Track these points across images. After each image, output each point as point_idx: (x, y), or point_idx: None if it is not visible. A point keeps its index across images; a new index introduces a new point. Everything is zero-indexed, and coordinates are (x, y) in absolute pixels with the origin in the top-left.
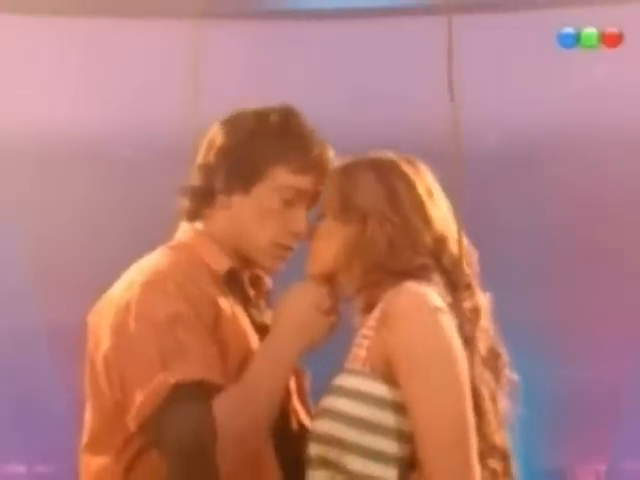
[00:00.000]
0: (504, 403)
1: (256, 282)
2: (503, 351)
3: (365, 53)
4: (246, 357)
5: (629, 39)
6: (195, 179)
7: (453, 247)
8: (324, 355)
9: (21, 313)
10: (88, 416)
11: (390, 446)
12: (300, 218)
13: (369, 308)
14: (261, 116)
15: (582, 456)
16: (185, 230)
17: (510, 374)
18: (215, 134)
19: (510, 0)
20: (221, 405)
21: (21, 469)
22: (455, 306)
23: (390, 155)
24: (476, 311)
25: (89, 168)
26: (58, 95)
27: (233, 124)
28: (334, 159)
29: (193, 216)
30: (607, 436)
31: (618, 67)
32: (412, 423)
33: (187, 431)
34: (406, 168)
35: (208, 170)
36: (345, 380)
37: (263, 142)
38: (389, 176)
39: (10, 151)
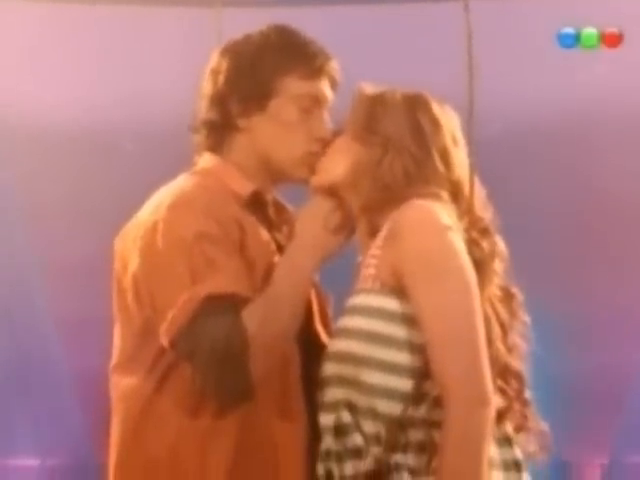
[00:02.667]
0: (519, 342)
1: (278, 209)
2: (517, 292)
3: (380, 39)
4: (271, 274)
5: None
6: (208, 111)
7: (468, 193)
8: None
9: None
10: (117, 338)
11: (403, 358)
12: (321, 123)
13: (374, 232)
14: (259, 36)
15: (587, 449)
16: (206, 159)
17: (524, 316)
18: (218, 63)
19: None
20: (250, 316)
21: (33, 462)
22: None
23: (425, 94)
24: (492, 249)
25: (105, 156)
26: (73, 83)
27: (234, 49)
28: (339, 67)
29: (212, 149)
30: (611, 429)
31: (622, 56)
32: (424, 333)
33: (220, 341)
34: (437, 110)
35: (220, 98)
36: (356, 299)
37: (268, 58)
38: (419, 113)
39: (21, 137)
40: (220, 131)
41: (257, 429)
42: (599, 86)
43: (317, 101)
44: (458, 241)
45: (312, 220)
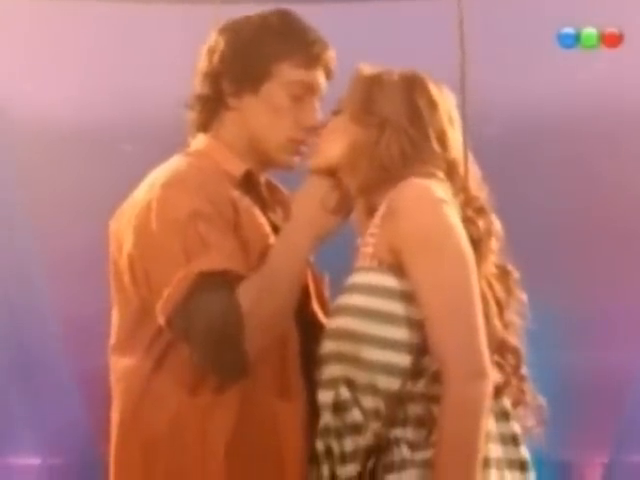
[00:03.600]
0: (515, 319)
1: (272, 190)
2: (513, 270)
3: (371, 36)
4: (266, 254)
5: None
6: (201, 87)
7: (463, 171)
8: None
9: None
10: (114, 319)
11: (402, 334)
12: (311, 111)
13: (371, 212)
14: (260, 19)
15: (587, 449)
16: (199, 140)
17: (520, 294)
18: (215, 41)
19: None
20: (245, 292)
21: (35, 462)
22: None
23: (422, 74)
24: (488, 228)
25: (105, 153)
26: (72, 80)
27: (233, 29)
28: (335, 56)
29: (205, 126)
30: (612, 428)
31: (621, 55)
32: (421, 308)
33: (215, 318)
34: (434, 90)
35: (214, 76)
36: (355, 278)
37: (266, 41)
38: (416, 93)
39: (21, 133)
40: (211, 108)
41: (257, 407)
42: (600, 84)
43: (310, 89)
44: (454, 216)
45: (309, 200)
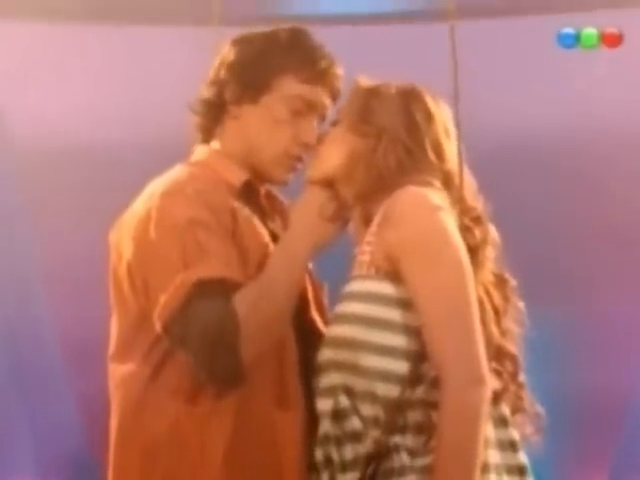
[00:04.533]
0: (513, 327)
1: (271, 199)
2: (511, 278)
3: (365, 59)
4: (265, 263)
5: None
6: (206, 93)
7: (462, 185)
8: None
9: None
10: (114, 327)
11: (400, 341)
12: (310, 128)
13: (368, 221)
14: (271, 33)
15: (586, 469)
16: (200, 151)
17: (518, 302)
18: (226, 52)
19: (507, 6)
20: (242, 299)
21: None
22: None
23: (419, 87)
24: (484, 236)
25: (101, 172)
26: (77, 99)
27: (243, 41)
28: (342, 75)
29: (205, 132)
30: (611, 449)
31: (618, 69)
32: (419, 315)
33: (211, 325)
34: (431, 103)
35: (218, 84)
36: (352, 286)
37: (272, 54)
38: (413, 105)
39: (28, 154)
40: (214, 114)
41: (255, 415)
42: (595, 100)
43: (310, 106)
44: (451, 223)
45: (308, 209)
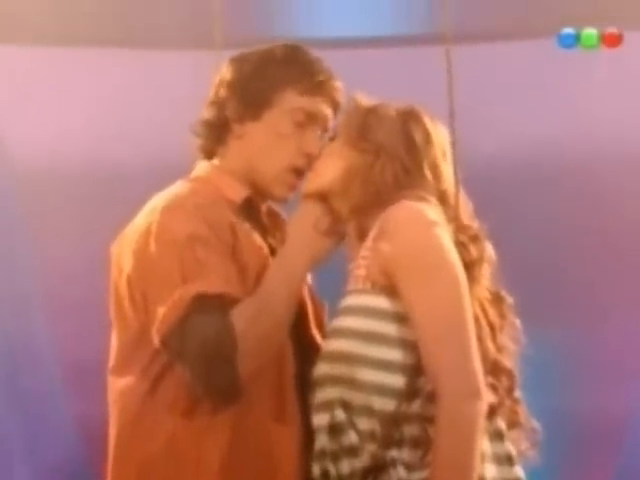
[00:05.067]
0: (509, 344)
1: (272, 216)
2: (507, 296)
3: (363, 82)
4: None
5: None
6: (207, 114)
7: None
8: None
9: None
10: (113, 341)
11: (396, 355)
12: (313, 139)
13: (363, 236)
14: (266, 50)
15: None
16: (201, 167)
17: (514, 319)
18: (224, 72)
19: (503, 30)
20: (240, 314)
21: None
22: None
23: (418, 108)
24: (481, 253)
25: (101, 192)
26: (78, 122)
27: (240, 60)
28: (341, 87)
29: (208, 152)
30: (610, 471)
31: (615, 91)
32: (415, 329)
33: (208, 340)
34: (429, 124)
35: (219, 104)
36: (348, 300)
37: (271, 70)
38: (412, 126)
39: (28, 175)
40: (216, 134)
41: (251, 431)
42: (592, 118)
43: (312, 117)
44: (446, 237)
45: (304, 222)
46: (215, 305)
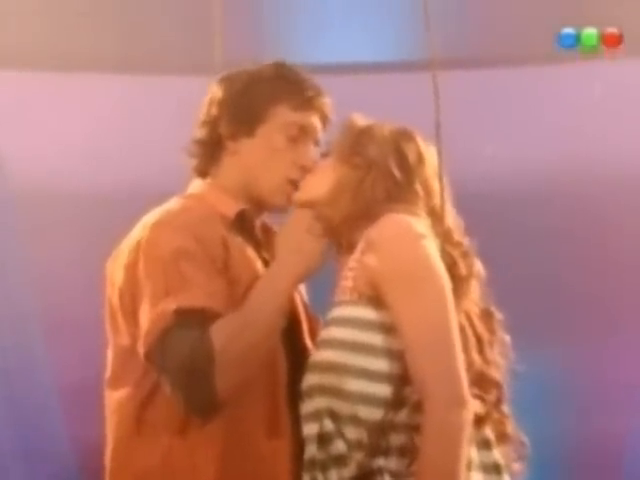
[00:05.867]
0: (499, 359)
1: (267, 231)
2: (496, 312)
3: (348, 109)
4: None
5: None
6: (200, 133)
7: (448, 220)
8: None
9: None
10: (109, 354)
11: (382, 365)
12: (307, 152)
13: (351, 248)
14: (256, 68)
15: None
16: (195, 184)
17: (504, 335)
18: (214, 91)
19: (492, 57)
20: (220, 329)
21: None
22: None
23: (411, 129)
24: (469, 269)
25: (110, 218)
26: (77, 148)
27: (230, 79)
28: (331, 103)
29: (202, 172)
30: None
31: (606, 116)
32: (401, 339)
33: (185, 355)
34: (422, 144)
35: (211, 123)
36: (335, 312)
37: (262, 87)
38: (404, 144)
39: (26, 198)
40: (210, 152)
41: (244, 443)
42: (585, 140)
43: (305, 131)
44: (433, 250)
45: (295, 227)
46: (195, 320)
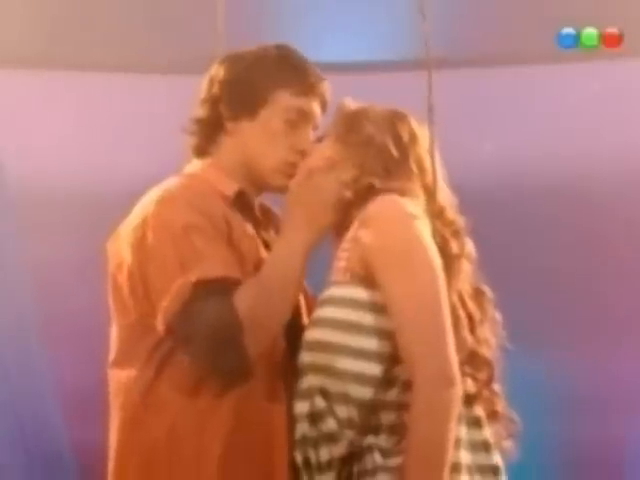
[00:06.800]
0: (490, 337)
1: (265, 212)
2: (487, 290)
3: None
4: (260, 266)
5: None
6: (200, 112)
7: (441, 198)
8: None
9: None
10: (113, 335)
11: (373, 344)
12: (306, 136)
13: (346, 228)
14: (259, 50)
15: None
16: (193, 164)
17: (495, 313)
18: (216, 70)
19: (492, 56)
20: (242, 296)
21: None
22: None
23: (405, 111)
24: (461, 248)
25: (100, 218)
26: (71, 148)
27: (233, 59)
28: (330, 87)
29: (201, 151)
30: None
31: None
32: (392, 318)
33: (213, 323)
34: (415, 125)
35: (213, 102)
36: (328, 292)
37: (264, 70)
38: (399, 124)
39: (24, 199)
40: (209, 132)
41: (252, 410)
42: (582, 140)
43: (305, 116)
44: (425, 230)
45: (302, 193)
46: (217, 289)
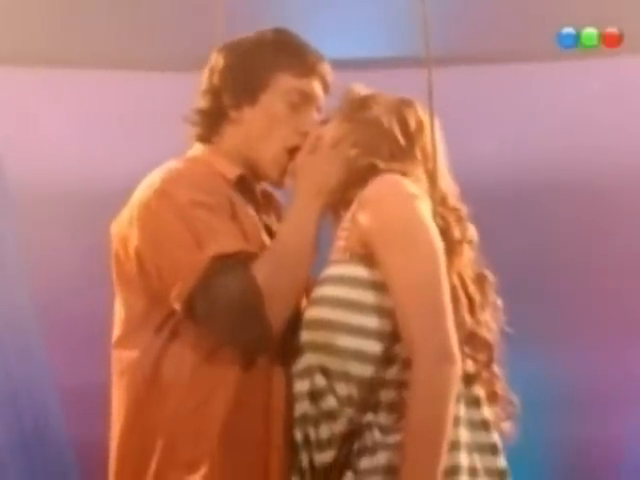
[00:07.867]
0: (491, 321)
1: (266, 197)
2: (490, 275)
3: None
4: (262, 247)
5: None
6: (202, 102)
7: (443, 186)
8: None
9: None
10: (118, 314)
11: (373, 322)
12: (309, 119)
13: (346, 207)
14: (257, 35)
15: None
16: (195, 148)
17: (497, 298)
18: (215, 60)
19: (492, 56)
20: (260, 268)
21: None
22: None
23: (413, 99)
24: (463, 233)
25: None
26: (72, 144)
27: (231, 47)
28: (330, 68)
29: (204, 139)
30: None
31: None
32: (391, 296)
33: (235, 295)
34: (421, 113)
35: (214, 91)
36: (328, 270)
37: (263, 54)
38: (406, 111)
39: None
40: (212, 120)
41: (251, 390)
42: (583, 136)
43: (307, 98)
44: (425, 209)
45: (310, 163)
46: (233, 262)
